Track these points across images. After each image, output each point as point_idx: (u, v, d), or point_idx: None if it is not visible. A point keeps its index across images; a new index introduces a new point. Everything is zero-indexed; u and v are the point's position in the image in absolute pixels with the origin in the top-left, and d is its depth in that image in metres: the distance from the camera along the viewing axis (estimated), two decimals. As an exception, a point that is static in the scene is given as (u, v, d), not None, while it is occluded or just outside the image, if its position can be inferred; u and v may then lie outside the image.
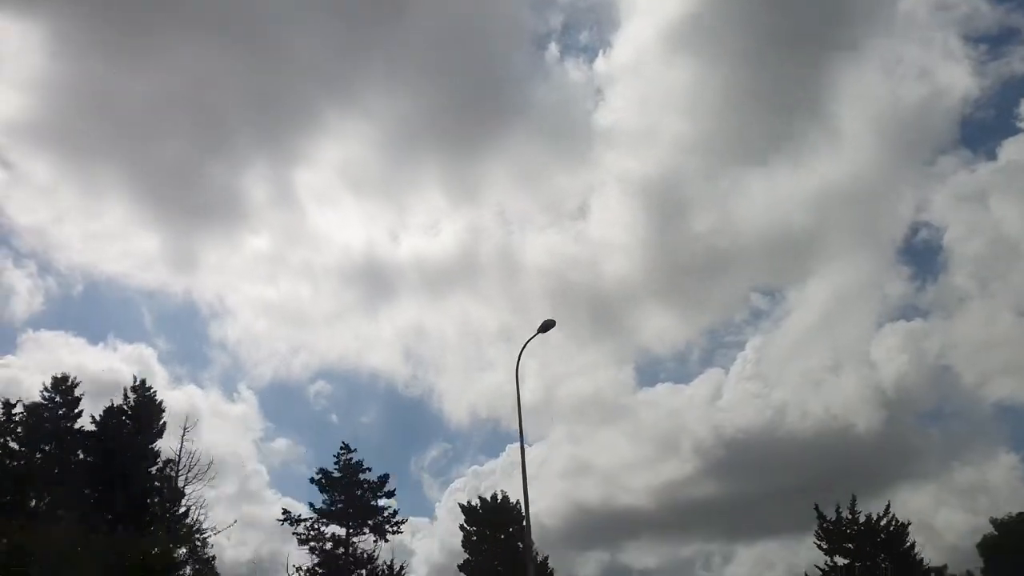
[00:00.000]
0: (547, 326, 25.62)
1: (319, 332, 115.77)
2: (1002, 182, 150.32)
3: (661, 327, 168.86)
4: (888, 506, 43.46)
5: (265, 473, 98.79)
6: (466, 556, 37.09)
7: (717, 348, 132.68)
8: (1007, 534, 50.75)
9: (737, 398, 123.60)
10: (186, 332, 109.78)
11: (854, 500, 43.48)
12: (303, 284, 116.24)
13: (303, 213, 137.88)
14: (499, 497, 38.89)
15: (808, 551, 45.29)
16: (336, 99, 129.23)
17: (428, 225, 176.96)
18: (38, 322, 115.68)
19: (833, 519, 43.47)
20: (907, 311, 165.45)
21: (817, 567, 43.18)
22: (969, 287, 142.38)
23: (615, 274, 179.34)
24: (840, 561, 42.76)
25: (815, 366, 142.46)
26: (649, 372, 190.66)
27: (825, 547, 43.17)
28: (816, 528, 43.68)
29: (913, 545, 42.61)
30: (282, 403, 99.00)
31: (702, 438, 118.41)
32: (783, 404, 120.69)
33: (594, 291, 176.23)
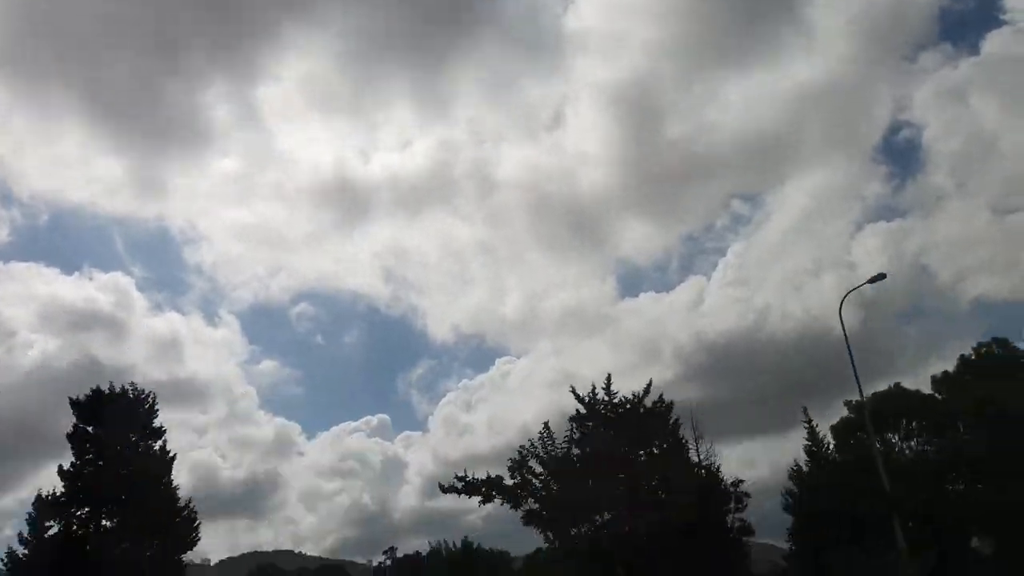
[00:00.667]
0: None
1: (296, 254, 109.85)
2: (983, 77, 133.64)
3: (640, 237, 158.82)
4: (649, 384, 35.07)
5: (255, 395, 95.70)
6: (74, 460, 30.40)
7: (697, 255, 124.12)
8: (859, 415, 43.05)
9: (719, 304, 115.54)
10: (161, 258, 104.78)
11: (609, 379, 35.20)
12: (276, 206, 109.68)
13: (269, 133, 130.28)
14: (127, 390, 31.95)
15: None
16: (293, 10, 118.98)
17: (399, 142, 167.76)
18: (8, 254, 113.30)
19: (588, 400, 35.45)
20: (885, 211, 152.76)
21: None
22: (947, 186, 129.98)
23: (592, 186, 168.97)
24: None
25: (795, 269, 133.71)
26: (631, 282, 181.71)
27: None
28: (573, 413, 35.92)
29: (676, 423, 34.45)
30: (265, 326, 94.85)
31: (683, 344, 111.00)
32: (764, 308, 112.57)
33: (572, 203, 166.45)
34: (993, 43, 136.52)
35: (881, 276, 28.72)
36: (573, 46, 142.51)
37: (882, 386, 53.97)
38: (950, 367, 43.95)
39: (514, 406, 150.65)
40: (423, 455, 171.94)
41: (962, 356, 43.47)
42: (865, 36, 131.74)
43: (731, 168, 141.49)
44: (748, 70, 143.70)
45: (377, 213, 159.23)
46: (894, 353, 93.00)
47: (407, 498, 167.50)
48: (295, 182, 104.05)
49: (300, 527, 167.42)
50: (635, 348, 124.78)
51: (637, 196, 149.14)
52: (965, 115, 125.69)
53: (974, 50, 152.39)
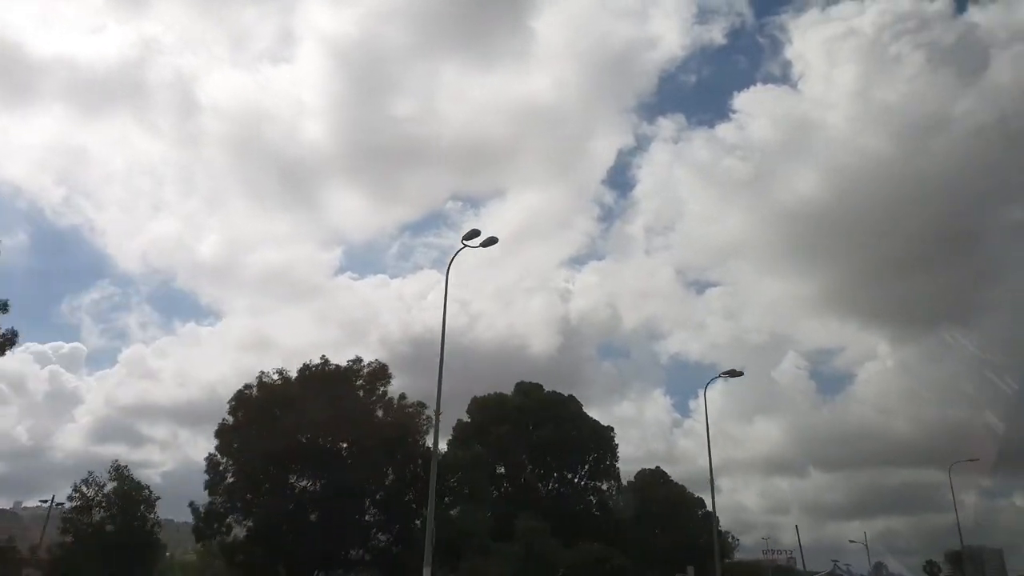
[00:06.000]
0: None
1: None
2: (696, 156, 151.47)
3: (357, 211, 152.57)
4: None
5: None
6: None
7: (418, 247, 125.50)
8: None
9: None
10: None
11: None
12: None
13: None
14: None
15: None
16: None
17: (85, 25, 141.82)
18: None
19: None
20: (592, 249, 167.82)
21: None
22: (642, 241, 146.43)
23: (311, 142, 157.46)
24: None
25: (512, 284, 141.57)
26: (357, 259, 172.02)
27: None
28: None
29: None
30: None
31: (391, 331, 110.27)
32: (479, 314, 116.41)
33: (286, 154, 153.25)
34: (719, 131, 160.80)
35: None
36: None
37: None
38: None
39: (204, 361, 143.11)
40: (99, 395, 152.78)
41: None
42: (595, 74, 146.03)
43: (453, 165, 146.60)
44: (484, 66, 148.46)
45: (46, 97, 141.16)
46: (587, 382, 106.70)
47: (72, 439, 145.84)
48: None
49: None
50: (343, 324, 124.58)
51: (356, 166, 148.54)
52: (669, 179, 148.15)
53: (704, 128, 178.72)
